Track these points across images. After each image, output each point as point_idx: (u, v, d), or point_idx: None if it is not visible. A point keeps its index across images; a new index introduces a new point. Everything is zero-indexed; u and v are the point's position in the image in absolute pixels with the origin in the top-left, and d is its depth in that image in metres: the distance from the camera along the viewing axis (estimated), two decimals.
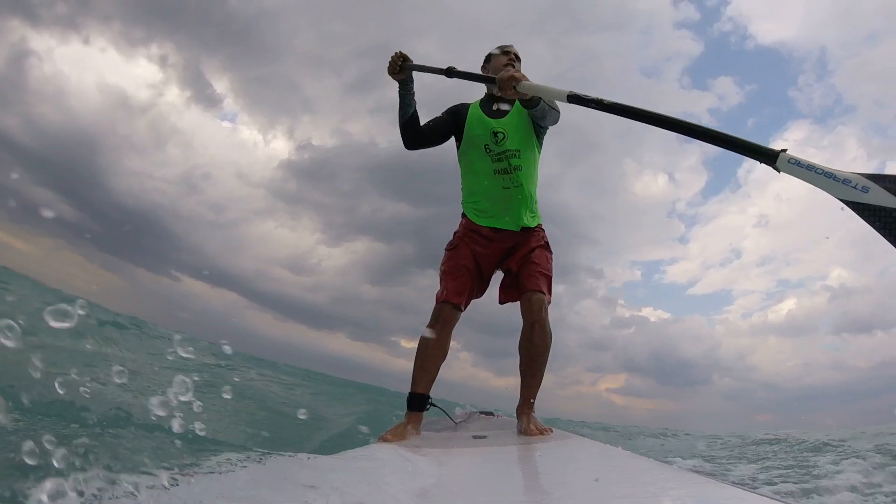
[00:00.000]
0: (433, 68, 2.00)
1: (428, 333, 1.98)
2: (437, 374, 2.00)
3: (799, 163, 1.15)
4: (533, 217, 2.15)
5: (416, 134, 2.11)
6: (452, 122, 2.20)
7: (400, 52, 2.03)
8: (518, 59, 2.16)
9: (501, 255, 2.13)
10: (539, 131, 2.17)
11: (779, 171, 1.19)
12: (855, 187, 1.09)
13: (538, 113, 1.98)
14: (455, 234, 2.19)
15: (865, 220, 1.09)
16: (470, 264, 2.09)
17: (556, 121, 2.12)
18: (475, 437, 1.84)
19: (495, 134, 2.10)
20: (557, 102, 1.84)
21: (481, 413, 2.79)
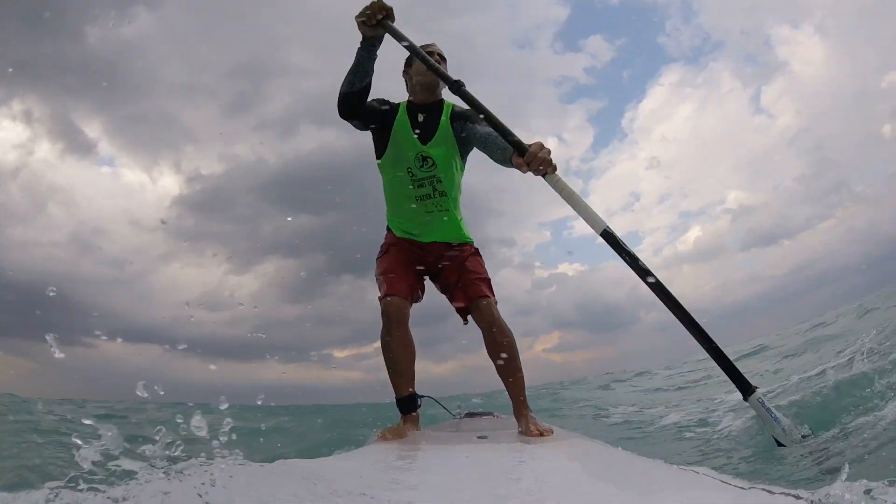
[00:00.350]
0: (420, 53, 1.77)
1: (385, 335, 1.91)
2: (413, 371, 1.95)
3: (763, 403, 1.51)
4: (460, 234, 2.11)
5: (360, 106, 1.86)
6: (381, 117, 1.99)
7: (381, 2, 1.71)
8: (444, 59, 2.04)
9: (432, 261, 2.10)
10: (464, 152, 2.08)
11: (747, 403, 1.53)
12: (783, 430, 1.53)
13: (481, 141, 1.85)
14: (383, 244, 2.16)
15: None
16: (404, 262, 2.05)
17: (501, 164, 1.81)
18: (475, 437, 1.83)
19: (423, 159, 1.99)
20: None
21: (482, 414, 2.79)
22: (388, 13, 1.72)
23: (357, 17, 1.71)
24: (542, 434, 1.81)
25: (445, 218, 2.05)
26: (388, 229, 2.17)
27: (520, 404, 1.94)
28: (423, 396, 2.00)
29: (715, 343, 1.46)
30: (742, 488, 0.81)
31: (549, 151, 1.57)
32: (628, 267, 1.54)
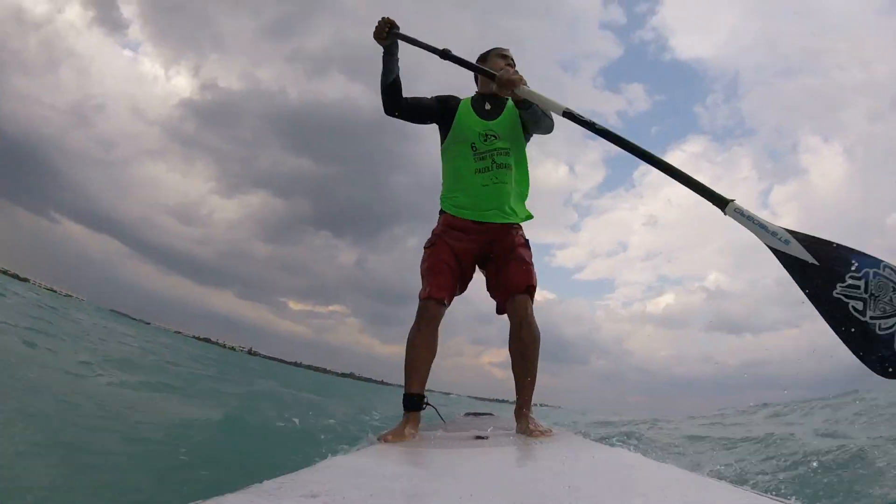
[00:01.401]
0: (425, 45, 2.02)
1: (414, 332, 1.98)
2: (428, 372, 2.00)
3: (742, 212, 1.50)
4: (513, 214, 2.13)
5: (396, 101, 2.09)
6: (438, 111, 2.18)
7: (387, 19, 2.00)
8: (513, 64, 2.16)
9: (480, 249, 2.12)
10: (526, 135, 2.18)
11: (724, 214, 1.52)
12: (780, 239, 1.44)
13: (530, 116, 1.99)
14: (433, 231, 2.18)
15: (783, 266, 1.44)
16: (450, 260, 2.07)
17: (549, 130, 2.13)
18: (476, 438, 1.84)
19: (486, 136, 2.10)
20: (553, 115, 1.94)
21: (481, 414, 2.80)
22: (392, 25, 2.01)
23: (373, 34, 2.01)
24: (541, 434, 1.83)
25: (502, 190, 2.09)
26: (441, 212, 2.19)
27: (524, 404, 1.99)
28: (428, 404, 2.00)
29: (679, 169, 1.61)
30: (743, 489, 0.82)
31: (514, 72, 1.89)
32: (599, 138, 1.76)
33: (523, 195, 2.21)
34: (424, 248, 2.16)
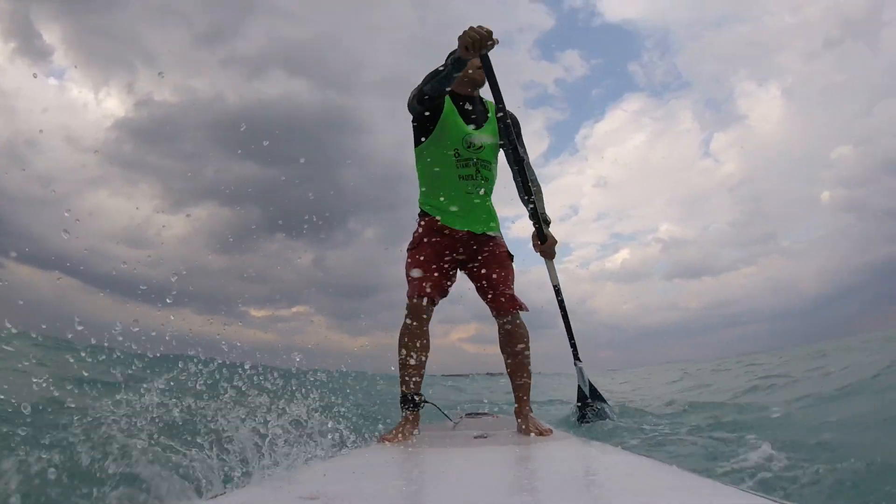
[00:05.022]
0: (496, 83, 2.06)
1: (405, 332, 1.97)
2: (423, 371, 1.99)
3: (583, 371, 2.73)
4: (494, 226, 2.14)
5: (429, 108, 2.03)
6: (436, 110, 2.09)
7: (490, 32, 1.72)
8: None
9: (462, 254, 2.11)
10: (502, 147, 2.20)
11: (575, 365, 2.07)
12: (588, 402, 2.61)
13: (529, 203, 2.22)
14: (414, 234, 2.15)
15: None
16: (433, 259, 2.06)
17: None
18: (475, 437, 1.84)
19: (470, 143, 2.06)
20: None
21: (481, 414, 2.80)
22: (493, 44, 1.75)
23: (464, 38, 1.72)
24: (541, 434, 1.82)
25: (483, 203, 2.11)
26: (421, 214, 2.16)
27: (522, 404, 2.00)
28: (427, 402, 2.00)
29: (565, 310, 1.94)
30: (742, 490, 0.81)
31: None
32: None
33: (494, 208, 2.20)
34: (407, 250, 2.14)
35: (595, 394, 2.88)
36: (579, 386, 2.86)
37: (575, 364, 2.74)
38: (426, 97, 1.97)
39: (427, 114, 2.07)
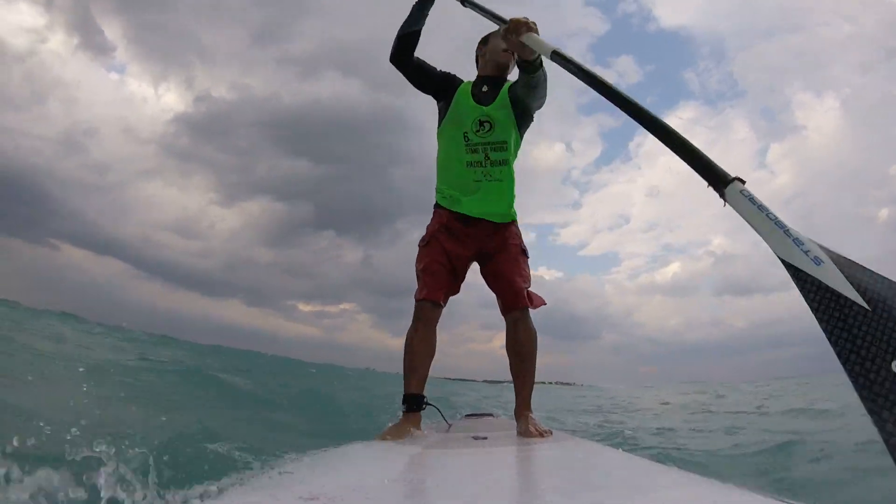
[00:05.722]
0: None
1: (412, 333, 1.98)
2: (427, 372, 2.00)
3: (752, 199, 0.99)
4: (506, 214, 2.09)
5: (408, 53, 2.04)
6: (440, 85, 2.12)
7: None
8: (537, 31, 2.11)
9: (474, 251, 2.09)
10: (522, 124, 2.09)
11: (724, 203, 1.04)
12: (806, 252, 0.91)
13: (532, 81, 1.86)
14: (428, 228, 2.14)
15: (799, 289, 0.90)
16: (443, 259, 2.05)
17: (544, 97, 1.99)
18: (475, 438, 1.84)
19: (481, 123, 2.02)
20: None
21: (481, 415, 2.80)
22: None
23: None
24: (541, 435, 1.82)
25: (495, 190, 2.05)
26: (436, 206, 2.15)
27: (523, 404, 1.99)
28: (429, 404, 2.00)
29: (671, 129, 1.16)
30: (743, 490, 0.81)
31: (526, 18, 1.69)
32: (589, 87, 1.39)
33: (512, 192, 2.12)
34: (419, 245, 2.13)
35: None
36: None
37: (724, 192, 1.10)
38: (396, 38, 2.01)
39: (428, 91, 2.09)
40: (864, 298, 0.80)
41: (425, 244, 2.11)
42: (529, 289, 2.07)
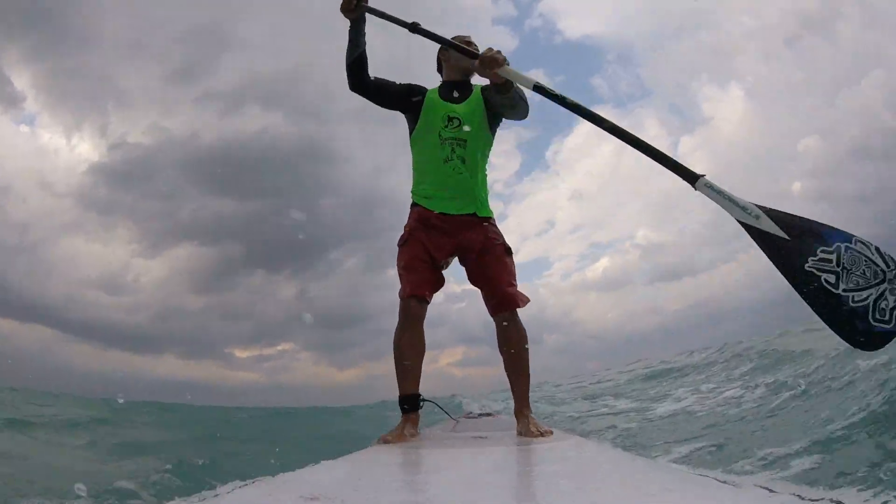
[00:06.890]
0: (395, 18, 1.95)
1: (400, 332, 1.95)
2: (420, 371, 1.98)
3: (712, 187, 1.51)
4: (483, 207, 2.08)
5: (361, 77, 2.04)
6: (404, 98, 2.10)
7: None
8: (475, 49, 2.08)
9: (454, 244, 2.07)
10: (493, 122, 2.10)
11: (694, 189, 1.54)
12: (750, 214, 1.46)
13: (507, 101, 1.89)
14: (405, 227, 2.12)
15: (754, 240, 1.46)
16: (424, 255, 2.03)
17: (524, 114, 2.04)
18: (475, 438, 1.84)
19: (450, 119, 2.03)
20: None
21: (481, 415, 2.80)
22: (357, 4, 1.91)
23: (340, 6, 1.92)
24: (541, 435, 1.82)
25: (469, 183, 2.04)
26: (412, 205, 2.14)
27: (521, 405, 1.96)
28: (426, 400, 1.99)
29: (650, 145, 1.63)
30: (742, 487, 0.81)
31: (498, 52, 1.78)
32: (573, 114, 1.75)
33: (485, 187, 2.12)
34: (398, 245, 2.11)
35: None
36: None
37: (696, 185, 1.58)
38: (346, 68, 2.02)
39: (395, 108, 2.10)
40: (785, 232, 1.42)
41: (404, 243, 2.09)
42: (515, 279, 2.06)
